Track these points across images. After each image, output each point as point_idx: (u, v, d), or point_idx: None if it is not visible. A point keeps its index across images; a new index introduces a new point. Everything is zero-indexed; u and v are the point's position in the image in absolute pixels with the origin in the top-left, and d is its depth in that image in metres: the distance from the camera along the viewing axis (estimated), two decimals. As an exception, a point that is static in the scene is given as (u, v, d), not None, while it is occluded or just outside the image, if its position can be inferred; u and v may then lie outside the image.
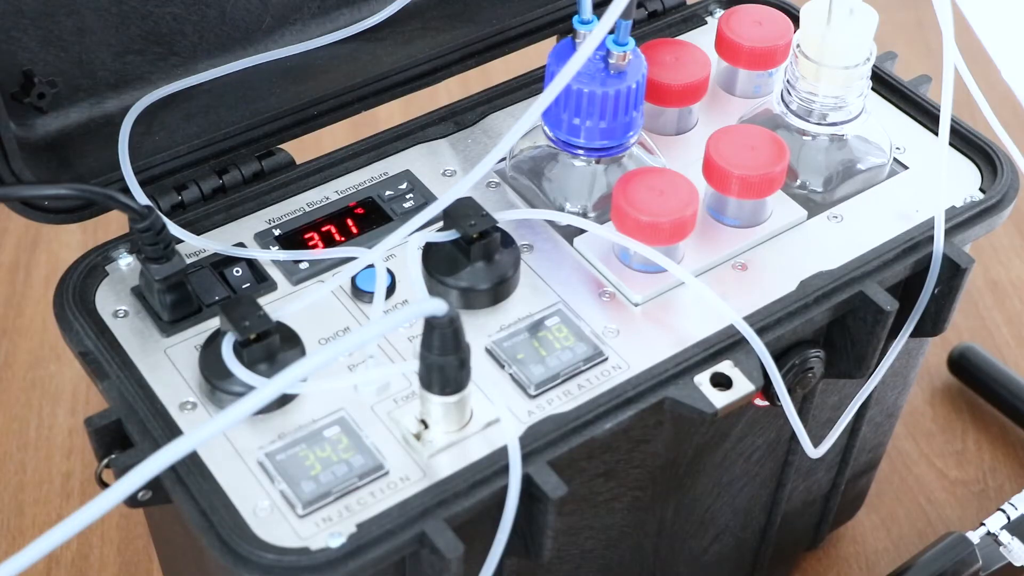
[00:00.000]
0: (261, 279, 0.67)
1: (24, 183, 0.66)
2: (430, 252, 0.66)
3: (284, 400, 0.62)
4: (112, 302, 0.66)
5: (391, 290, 0.67)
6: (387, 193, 0.72)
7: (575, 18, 0.66)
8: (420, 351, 0.56)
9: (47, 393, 0.95)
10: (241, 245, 0.68)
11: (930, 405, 0.98)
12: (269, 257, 0.68)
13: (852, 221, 0.71)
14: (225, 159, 0.72)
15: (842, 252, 0.69)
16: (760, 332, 0.64)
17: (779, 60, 0.76)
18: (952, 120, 0.71)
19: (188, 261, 0.67)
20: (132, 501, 0.60)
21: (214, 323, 0.64)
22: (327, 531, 0.57)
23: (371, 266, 0.66)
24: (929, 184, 0.73)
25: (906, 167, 0.74)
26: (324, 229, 0.70)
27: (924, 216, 0.71)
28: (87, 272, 0.67)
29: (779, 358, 0.67)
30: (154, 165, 0.71)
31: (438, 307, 0.54)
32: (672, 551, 0.75)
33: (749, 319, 0.65)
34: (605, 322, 0.66)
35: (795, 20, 0.78)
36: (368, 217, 0.71)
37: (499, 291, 0.66)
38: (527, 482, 0.59)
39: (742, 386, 0.63)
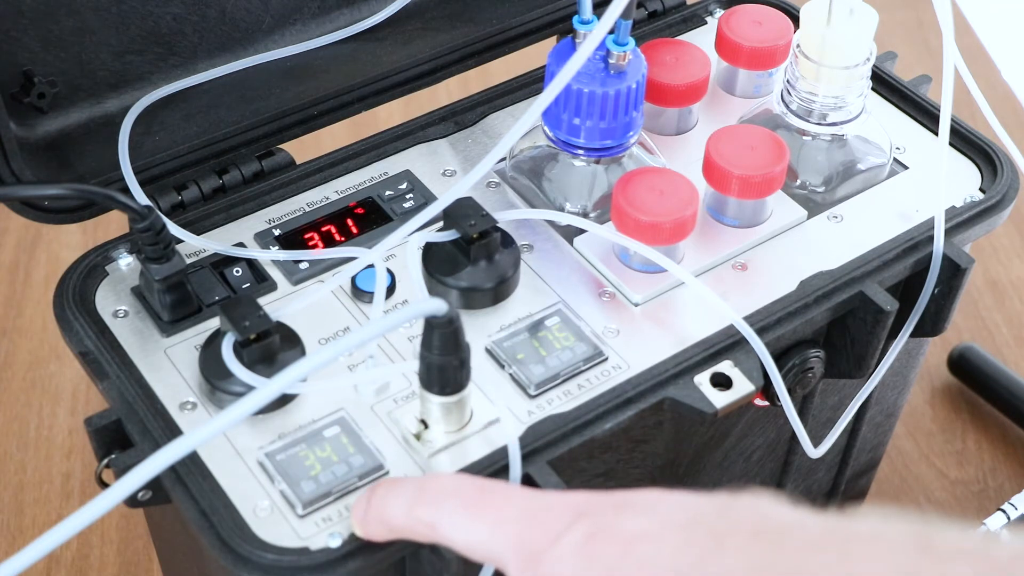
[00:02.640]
0: (261, 279, 0.67)
1: (24, 183, 0.66)
2: (430, 252, 0.66)
3: (284, 400, 0.62)
4: (112, 302, 0.66)
5: (391, 290, 0.67)
6: (387, 193, 0.72)
7: (575, 18, 0.66)
8: (420, 351, 0.56)
9: (47, 393, 0.95)
10: (241, 245, 0.68)
11: (930, 405, 0.98)
12: (269, 257, 0.68)
13: (852, 221, 0.71)
14: (225, 159, 0.72)
15: (842, 252, 0.69)
16: (760, 332, 0.64)
17: (779, 60, 0.76)
18: (952, 120, 0.71)
19: (188, 261, 0.67)
20: (132, 501, 0.60)
21: (214, 323, 0.64)
22: (327, 531, 0.57)
23: (371, 266, 0.66)
24: (929, 184, 0.73)
25: (906, 167, 0.74)
26: (324, 229, 0.70)
27: (924, 216, 0.71)
28: (87, 272, 0.67)
29: (779, 358, 0.67)
30: (154, 165, 0.71)
31: (438, 307, 0.54)
32: (672, 551, 0.75)
33: (749, 319, 0.65)
34: (605, 322, 0.66)
35: (795, 20, 0.78)
36: (368, 217, 0.71)
37: (499, 291, 0.66)
38: (527, 482, 0.59)
39: (742, 386, 0.63)
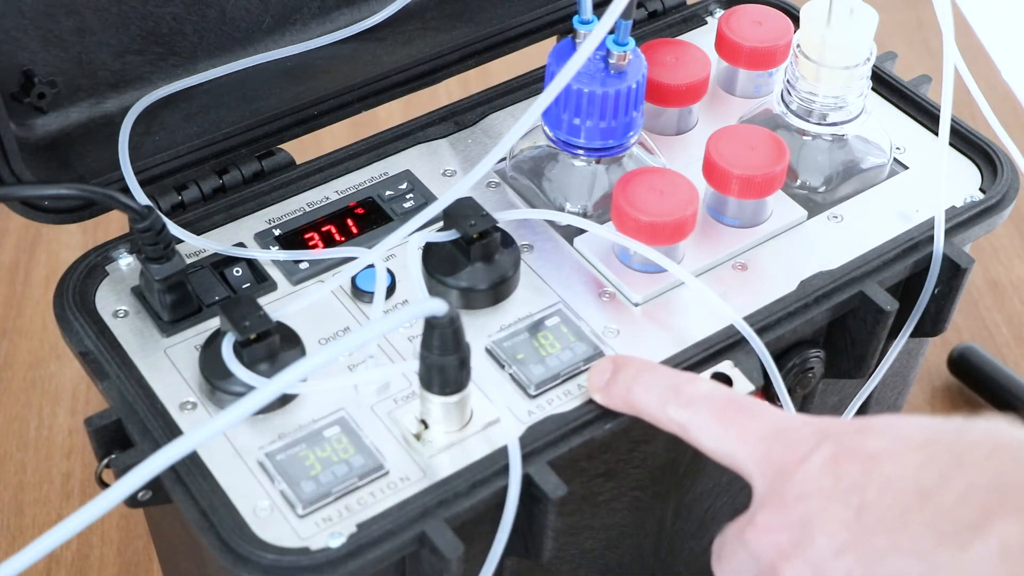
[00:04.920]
0: (261, 279, 0.67)
1: (24, 183, 0.66)
2: (430, 252, 0.66)
3: (284, 400, 0.62)
4: (112, 302, 0.66)
5: (391, 290, 0.67)
6: (387, 193, 0.72)
7: (575, 18, 0.66)
8: (420, 351, 0.56)
9: (47, 393, 0.95)
10: (241, 245, 0.68)
11: (930, 405, 0.98)
12: (269, 257, 0.68)
13: (852, 221, 0.71)
14: (225, 159, 0.72)
15: (842, 252, 0.69)
16: (760, 332, 0.64)
17: (779, 60, 0.76)
18: (952, 120, 0.71)
19: (188, 261, 0.67)
20: (132, 501, 0.60)
21: (214, 323, 0.64)
22: (327, 531, 0.57)
23: (371, 266, 0.66)
24: (929, 184, 0.73)
25: (906, 167, 0.74)
26: (324, 229, 0.70)
27: (924, 216, 0.71)
28: (87, 272, 0.67)
29: (779, 358, 0.67)
30: (154, 165, 0.71)
31: (438, 307, 0.54)
32: (672, 551, 0.75)
33: (749, 319, 0.65)
34: (605, 322, 0.66)
35: (795, 20, 0.78)
36: (368, 217, 0.71)
37: (499, 291, 0.66)
38: (527, 482, 0.59)
39: (742, 386, 0.63)
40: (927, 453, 0.50)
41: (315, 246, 0.69)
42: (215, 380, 0.61)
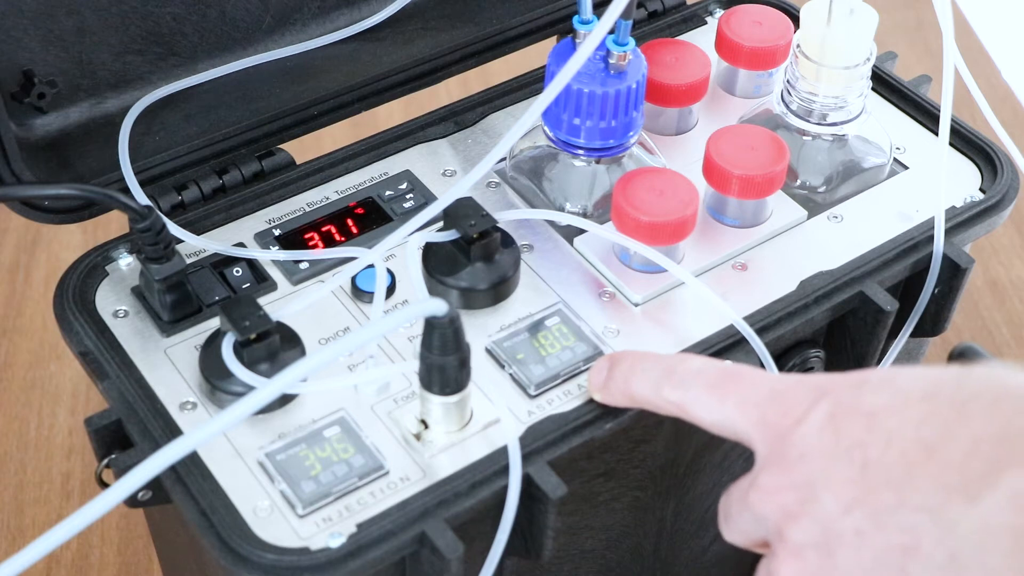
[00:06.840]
0: (261, 279, 0.67)
1: (24, 183, 0.66)
2: (430, 252, 0.66)
3: (284, 400, 0.62)
4: (112, 302, 0.66)
5: (391, 290, 0.67)
6: (387, 193, 0.72)
7: (575, 18, 0.66)
8: (420, 351, 0.56)
9: (47, 393, 0.95)
10: (241, 245, 0.68)
11: (930, 405, 0.98)
12: (269, 257, 0.68)
13: (852, 221, 0.71)
14: (225, 159, 0.72)
15: (842, 252, 0.69)
16: (760, 332, 0.64)
17: (779, 60, 0.76)
18: (952, 120, 0.71)
19: (188, 261, 0.67)
20: (132, 501, 0.60)
21: (214, 323, 0.64)
22: (327, 531, 0.57)
23: (371, 266, 0.66)
24: (929, 184, 0.73)
25: (906, 167, 0.74)
26: (324, 229, 0.70)
27: (924, 216, 0.71)
28: (87, 272, 0.67)
29: (779, 358, 0.67)
30: (154, 165, 0.71)
31: (438, 307, 0.54)
32: (672, 551, 0.75)
33: (749, 319, 0.65)
34: (605, 322, 0.66)
35: (795, 20, 0.78)
36: (368, 217, 0.71)
37: (499, 291, 0.66)
38: (527, 482, 0.59)
39: (742, 386, 0.63)
40: (929, 407, 0.49)
41: (315, 246, 0.69)
42: (215, 380, 0.61)
